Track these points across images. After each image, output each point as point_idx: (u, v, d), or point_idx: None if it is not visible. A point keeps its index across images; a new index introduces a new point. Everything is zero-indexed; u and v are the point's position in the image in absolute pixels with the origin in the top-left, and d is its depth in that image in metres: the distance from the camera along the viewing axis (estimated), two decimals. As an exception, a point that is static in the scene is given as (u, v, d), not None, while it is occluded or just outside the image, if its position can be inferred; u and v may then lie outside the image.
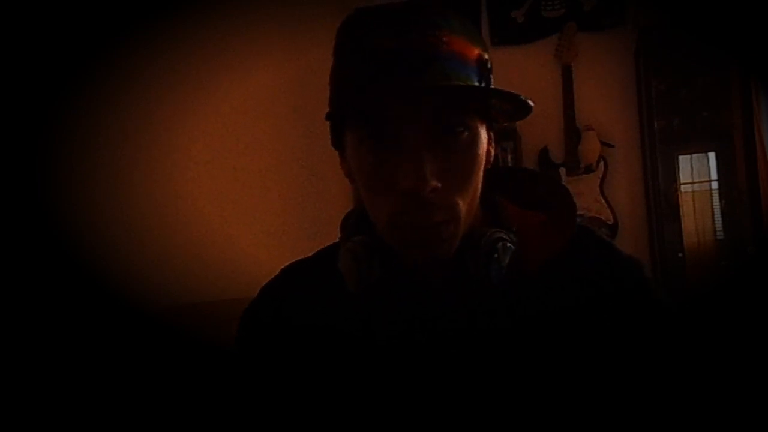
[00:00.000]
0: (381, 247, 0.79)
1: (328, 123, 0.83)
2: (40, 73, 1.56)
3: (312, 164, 2.83)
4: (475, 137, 0.75)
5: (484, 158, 0.77)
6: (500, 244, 0.76)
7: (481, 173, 0.77)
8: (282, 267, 0.93)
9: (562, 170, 3.00)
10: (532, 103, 0.73)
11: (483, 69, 0.75)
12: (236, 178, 2.32)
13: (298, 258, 0.96)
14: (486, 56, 0.77)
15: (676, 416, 0.79)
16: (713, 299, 2.34)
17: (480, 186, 0.77)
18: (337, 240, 0.90)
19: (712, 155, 2.81)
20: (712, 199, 2.79)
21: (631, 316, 0.79)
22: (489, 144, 0.79)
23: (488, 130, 0.78)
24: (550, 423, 0.76)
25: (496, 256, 0.75)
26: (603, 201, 2.95)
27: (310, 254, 0.94)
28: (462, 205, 0.74)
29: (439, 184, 0.71)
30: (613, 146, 3.01)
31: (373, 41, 0.72)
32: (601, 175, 2.97)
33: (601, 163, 2.98)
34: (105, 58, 1.76)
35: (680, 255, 2.77)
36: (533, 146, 3.07)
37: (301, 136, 2.76)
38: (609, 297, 0.79)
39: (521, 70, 3.00)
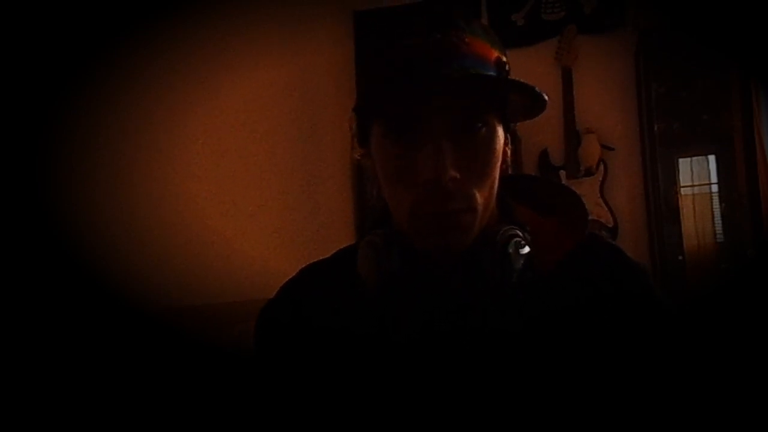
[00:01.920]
0: (399, 240, 0.82)
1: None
2: (40, 73, 1.56)
3: (312, 165, 2.83)
4: (493, 134, 0.79)
5: (500, 156, 0.81)
6: (514, 240, 0.79)
7: (497, 170, 0.80)
8: (300, 267, 0.96)
9: (562, 173, 3.00)
10: (546, 97, 0.77)
11: (501, 69, 0.80)
12: (236, 179, 2.32)
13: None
14: (504, 59, 0.81)
15: (677, 417, 0.80)
16: (713, 302, 2.34)
17: (496, 184, 0.81)
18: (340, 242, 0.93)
19: (712, 158, 2.81)
20: (712, 202, 2.79)
21: (636, 320, 0.82)
22: (506, 144, 0.83)
23: (505, 131, 0.82)
24: (556, 421, 0.77)
25: (510, 251, 0.78)
26: (603, 204, 2.95)
27: (325, 254, 0.97)
28: (479, 197, 0.78)
29: (458, 175, 0.75)
30: (613, 149, 3.01)
31: (398, 39, 0.78)
32: (601, 178, 2.97)
33: (601, 166, 2.98)
34: (105, 58, 1.76)
35: (680, 258, 2.77)
36: (533, 149, 3.07)
37: (301, 136, 2.76)
38: (616, 300, 0.82)
39: (521, 73, 2.98)
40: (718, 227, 2.78)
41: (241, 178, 2.35)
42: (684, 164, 2.83)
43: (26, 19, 1.54)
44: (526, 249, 0.80)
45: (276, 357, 0.90)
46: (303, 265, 0.96)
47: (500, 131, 0.80)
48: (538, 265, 0.82)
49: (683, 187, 2.82)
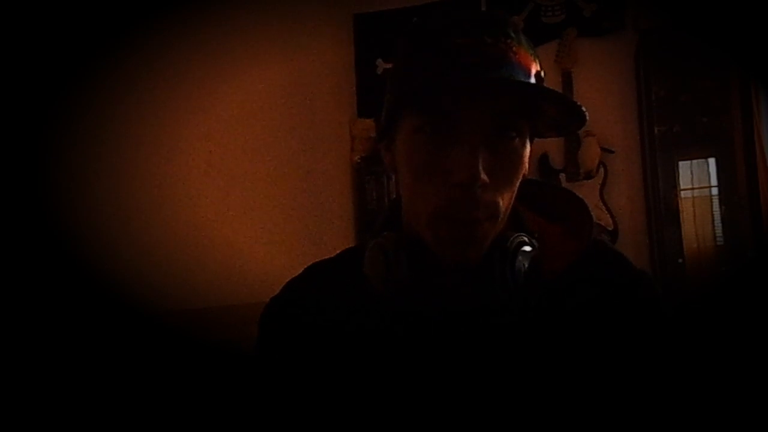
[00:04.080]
0: (409, 243, 0.81)
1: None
2: (41, 75, 1.56)
3: (312, 166, 2.83)
4: (524, 145, 0.79)
5: (524, 168, 0.81)
6: (523, 248, 0.80)
7: (519, 181, 0.81)
8: (306, 266, 0.96)
9: (562, 176, 3.00)
10: (588, 115, 0.76)
11: (539, 82, 0.80)
12: (236, 182, 2.32)
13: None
14: (543, 73, 0.81)
15: (675, 422, 0.81)
16: (713, 305, 2.34)
17: (515, 194, 0.81)
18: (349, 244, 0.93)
19: (712, 161, 2.80)
20: (712, 205, 2.79)
21: (641, 327, 0.83)
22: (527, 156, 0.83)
23: (530, 144, 0.82)
24: (561, 425, 0.78)
25: (519, 258, 0.79)
26: (603, 207, 2.95)
27: (326, 257, 0.97)
28: (501, 207, 0.78)
29: (488, 180, 0.74)
30: (613, 152, 3.01)
31: (449, 39, 0.77)
32: (601, 181, 2.97)
33: (601, 169, 2.98)
34: (106, 59, 1.76)
35: (680, 261, 2.77)
36: (533, 152, 3.04)
37: (300, 139, 2.76)
38: (621, 307, 0.83)
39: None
40: (718, 230, 2.78)
41: (242, 182, 2.35)
42: (684, 167, 2.82)
43: (27, 20, 1.54)
44: (533, 254, 0.81)
45: (280, 354, 0.90)
46: (304, 267, 0.96)
47: (528, 143, 0.81)
48: (544, 272, 0.82)
49: (683, 189, 2.82)
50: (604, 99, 3.04)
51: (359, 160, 3.13)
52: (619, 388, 0.79)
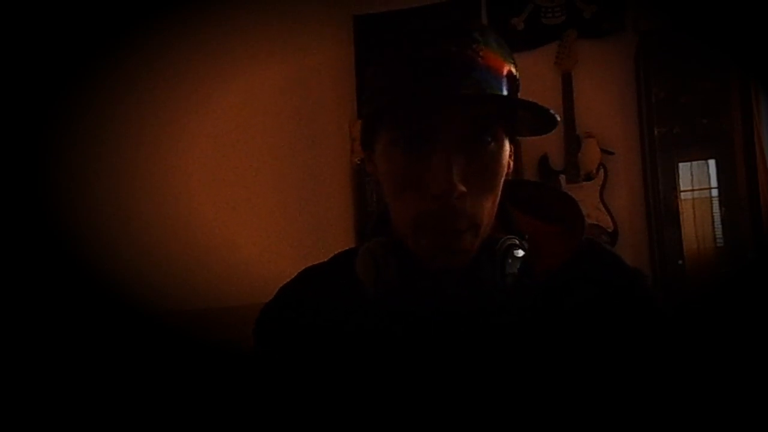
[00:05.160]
0: (398, 248, 0.81)
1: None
2: (41, 74, 1.55)
3: (312, 168, 2.83)
4: (501, 148, 0.79)
5: (505, 169, 0.81)
6: (513, 250, 0.79)
7: (501, 184, 0.80)
8: (299, 270, 0.97)
9: (562, 177, 3.00)
10: (558, 118, 0.77)
11: (512, 83, 0.80)
12: (236, 183, 2.31)
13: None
14: (515, 73, 0.81)
15: (671, 423, 0.81)
16: (713, 306, 2.34)
17: (499, 196, 0.81)
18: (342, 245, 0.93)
19: (712, 162, 2.81)
20: (712, 206, 2.79)
21: (635, 326, 0.83)
22: (510, 156, 0.83)
23: (510, 143, 0.82)
24: (554, 425, 0.78)
25: (509, 261, 0.79)
26: (603, 208, 2.95)
27: (325, 259, 0.97)
28: (483, 213, 0.78)
29: (465, 190, 0.74)
30: (613, 153, 3.01)
31: (416, 49, 0.77)
32: (601, 183, 2.97)
33: (601, 170, 2.98)
34: (105, 62, 1.76)
35: (680, 262, 2.77)
36: (533, 153, 3.07)
37: (301, 141, 2.76)
38: (614, 306, 0.83)
39: (522, 78, 3.00)
40: (718, 231, 2.79)
41: (242, 182, 2.35)
42: (684, 168, 2.83)
43: (27, 20, 1.54)
44: (523, 257, 0.80)
45: (275, 358, 0.91)
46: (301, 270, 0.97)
47: (507, 145, 0.81)
48: (537, 272, 0.82)
49: (683, 191, 2.82)
50: (604, 100, 3.05)
51: (359, 162, 3.13)
52: (613, 387, 0.79)
